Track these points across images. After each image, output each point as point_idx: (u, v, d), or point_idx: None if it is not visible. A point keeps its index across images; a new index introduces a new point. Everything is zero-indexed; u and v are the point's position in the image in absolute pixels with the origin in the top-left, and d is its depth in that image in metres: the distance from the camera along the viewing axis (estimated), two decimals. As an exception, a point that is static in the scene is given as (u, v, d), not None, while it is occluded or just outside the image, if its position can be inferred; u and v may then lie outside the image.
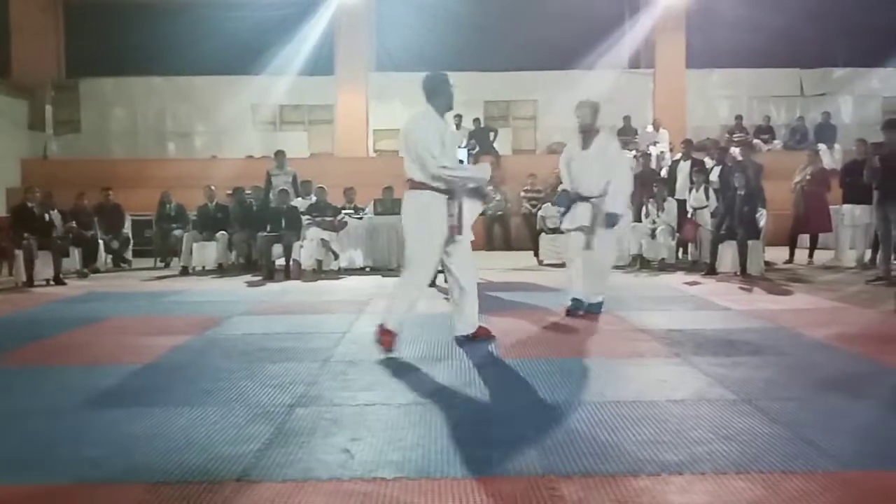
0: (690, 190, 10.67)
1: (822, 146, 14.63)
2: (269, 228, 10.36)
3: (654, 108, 17.43)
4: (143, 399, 3.95)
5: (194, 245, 10.96)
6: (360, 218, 11.09)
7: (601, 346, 5.22)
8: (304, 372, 4.45)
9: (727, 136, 16.07)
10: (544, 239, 11.17)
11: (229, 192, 11.73)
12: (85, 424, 3.53)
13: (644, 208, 10.78)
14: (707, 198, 10.38)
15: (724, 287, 8.34)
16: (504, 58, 17.28)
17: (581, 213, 6.34)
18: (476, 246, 5.45)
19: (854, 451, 3.01)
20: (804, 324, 5.88)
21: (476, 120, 15.87)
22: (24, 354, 5.28)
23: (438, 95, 5.08)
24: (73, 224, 10.64)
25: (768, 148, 16.07)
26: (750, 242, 9.25)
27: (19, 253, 9.40)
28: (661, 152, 14.67)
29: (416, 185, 5.01)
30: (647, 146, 14.98)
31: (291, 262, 10.06)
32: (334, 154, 17.52)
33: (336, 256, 10.49)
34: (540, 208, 11.73)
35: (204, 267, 11.08)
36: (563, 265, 8.09)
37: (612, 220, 6.24)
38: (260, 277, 9.87)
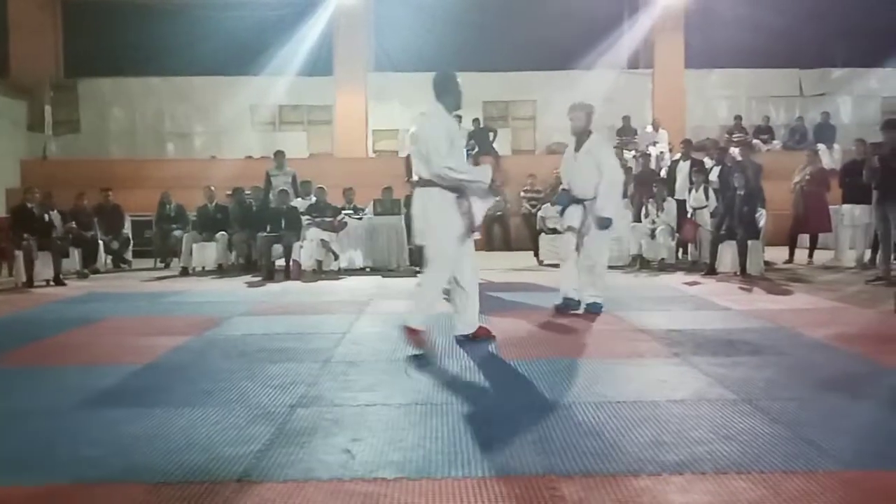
0: (690, 190, 10.68)
1: (821, 146, 14.65)
2: (268, 229, 10.36)
3: (654, 108, 17.44)
4: (143, 399, 3.95)
5: (194, 245, 10.96)
6: (360, 218, 11.09)
7: (601, 347, 5.22)
8: (304, 372, 4.45)
9: (726, 136, 16.08)
10: (544, 239, 11.17)
11: (229, 192, 11.73)
12: (84, 425, 3.53)
13: (644, 208, 10.79)
14: (707, 198, 10.39)
15: (724, 287, 8.34)
16: (503, 58, 17.28)
17: (572, 214, 6.45)
18: (476, 246, 5.45)
19: (854, 451, 3.01)
20: (804, 324, 5.89)
21: (475, 120, 15.87)
22: (23, 355, 5.27)
23: (447, 94, 5.12)
24: (73, 225, 10.63)
25: (768, 148, 16.08)
26: (749, 242, 9.26)
27: (19, 253, 9.40)
28: (661, 152, 14.68)
29: (424, 183, 5.01)
30: (647, 146, 14.99)
31: (291, 263, 10.06)
32: (333, 154, 17.52)
33: (336, 257, 10.50)
34: (539, 208, 11.74)
35: (204, 267, 11.08)
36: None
37: (603, 224, 6.30)
38: (260, 278, 9.87)
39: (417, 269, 10.18)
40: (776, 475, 2.77)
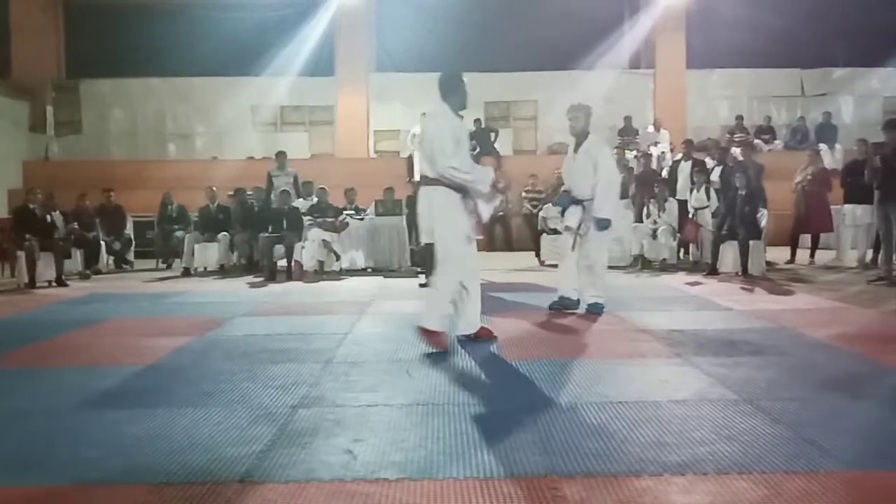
0: (691, 190, 10.67)
1: (822, 146, 14.64)
2: (270, 229, 10.37)
3: (655, 108, 17.43)
4: (144, 400, 3.95)
5: (196, 246, 10.97)
6: (362, 219, 11.09)
7: (603, 347, 5.22)
8: (306, 373, 4.45)
9: (728, 136, 16.06)
10: (545, 239, 11.17)
11: (230, 193, 11.74)
12: (86, 425, 3.54)
13: (645, 209, 10.78)
14: (708, 198, 10.38)
15: (726, 287, 8.34)
16: (504, 58, 17.27)
17: (571, 215, 6.52)
18: (477, 246, 5.45)
19: (856, 451, 3.01)
20: (805, 324, 5.88)
21: (477, 121, 15.86)
22: (25, 355, 5.28)
23: (453, 93, 5.14)
24: (75, 225, 10.64)
25: (769, 148, 16.07)
26: (751, 243, 9.25)
27: (21, 254, 9.41)
28: (662, 153, 14.67)
29: (430, 182, 5.01)
30: (648, 146, 14.97)
31: (293, 263, 10.07)
32: (335, 155, 17.52)
33: (338, 257, 10.50)
34: (541, 209, 11.74)
35: (206, 268, 11.09)
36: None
37: (602, 225, 6.35)
38: (262, 278, 9.87)
39: (419, 269, 10.21)
40: (778, 475, 2.77)
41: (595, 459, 2.95)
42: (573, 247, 6.51)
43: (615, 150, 13.13)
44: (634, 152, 14.49)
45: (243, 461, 2.98)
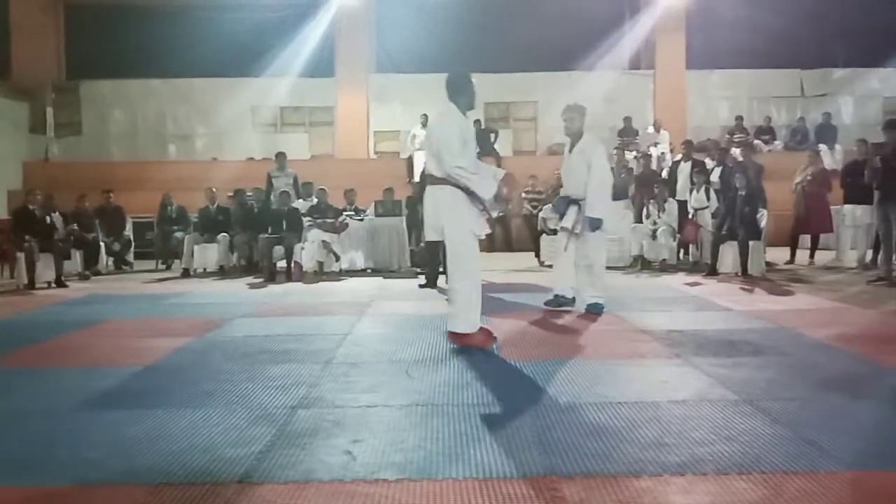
0: (691, 191, 10.67)
1: (822, 147, 14.64)
2: (270, 230, 10.37)
3: (655, 108, 17.43)
4: (144, 401, 3.95)
5: (195, 247, 10.97)
6: (361, 219, 11.09)
7: (602, 347, 5.22)
8: (305, 374, 4.45)
9: (728, 136, 16.07)
10: (545, 240, 11.16)
11: (230, 194, 11.75)
12: (85, 426, 3.54)
13: (645, 209, 10.79)
14: (708, 198, 10.38)
15: (726, 288, 8.34)
16: (504, 59, 17.28)
17: (566, 215, 6.58)
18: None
19: (856, 452, 3.01)
20: (805, 324, 5.88)
21: (476, 121, 15.86)
22: (24, 356, 5.28)
23: (462, 94, 5.16)
24: (75, 226, 10.65)
25: (769, 148, 16.08)
26: (751, 243, 9.25)
27: (21, 255, 9.41)
28: (662, 153, 14.68)
29: (436, 181, 5.01)
30: (648, 147, 14.99)
31: (293, 264, 10.07)
32: (335, 156, 17.53)
33: (337, 258, 10.50)
34: (541, 209, 11.73)
35: (205, 269, 11.09)
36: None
37: (594, 225, 6.40)
38: (261, 279, 9.87)
39: (418, 270, 10.21)
40: (777, 476, 2.77)
41: (594, 460, 2.95)
42: (566, 247, 6.61)
43: (615, 151, 13.14)
44: (634, 153, 14.50)
45: (243, 462, 2.98)
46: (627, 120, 16.42)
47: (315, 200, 11.14)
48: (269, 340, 5.56)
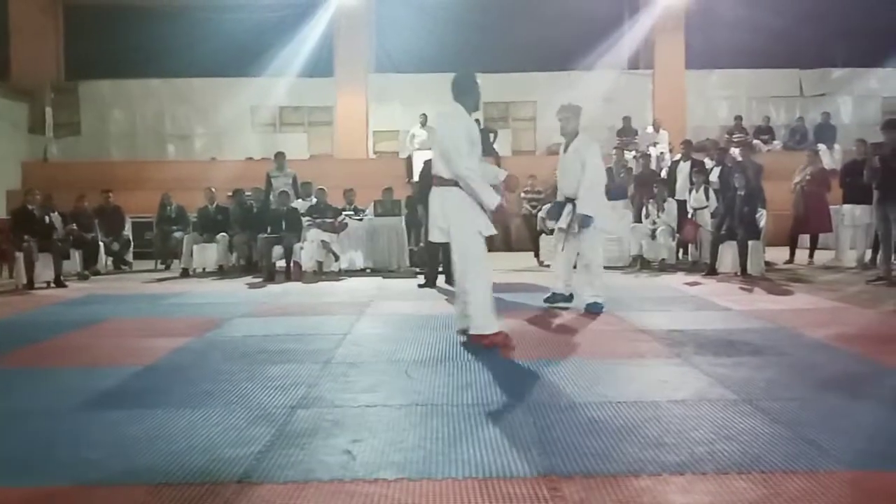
0: (690, 190, 10.68)
1: (821, 146, 14.63)
2: (269, 230, 10.37)
3: (654, 108, 17.43)
4: (143, 401, 3.95)
5: (195, 247, 10.97)
6: (361, 219, 11.09)
7: (602, 347, 5.22)
8: (304, 373, 4.45)
9: (727, 136, 16.07)
10: (544, 240, 11.16)
11: (229, 193, 11.74)
12: (85, 426, 3.53)
13: (644, 209, 10.79)
14: (707, 198, 10.38)
15: (725, 287, 8.34)
16: (503, 59, 17.27)
17: (561, 216, 6.70)
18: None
19: (855, 451, 3.01)
20: (805, 324, 5.89)
21: (476, 121, 15.88)
22: (23, 356, 5.27)
23: (468, 94, 5.20)
24: (74, 226, 10.64)
25: (768, 148, 16.07)
26: (750, 243, 9.25)
27: (20, 255, 9.41)
28: (661, 153, 14.67)
29: (444, 182, 5.02)
30: (647, 147, 14.98)
31: (292, 264, 10.07)
32: (334, 155, 17.52)
33: (336, 258, 10.50)
34: (540, 209, 11.73)
35: (204, 269, 11.09)
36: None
37: (584, 222, 6.47)
38: (260, 279, 9.87)
39: (418, 269, 10.21)
40: (777, 475, 2.77)
41: (594, 459, 2.95)
42: (562, 247, 6.75)
43: (614, 151, 13.13)
44: (633, 153, 14.49)
45: (242, 462, 2.97)
46: (627, 120, 16.42)
47: (314, 200, 11.14)
48: (268, 340, 5.56)
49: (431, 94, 15.75)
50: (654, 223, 10.52)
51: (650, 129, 16.23)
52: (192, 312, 7.17)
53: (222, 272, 10.86)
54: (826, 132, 16.15)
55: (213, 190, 11.65)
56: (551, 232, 10.73)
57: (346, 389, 4.09)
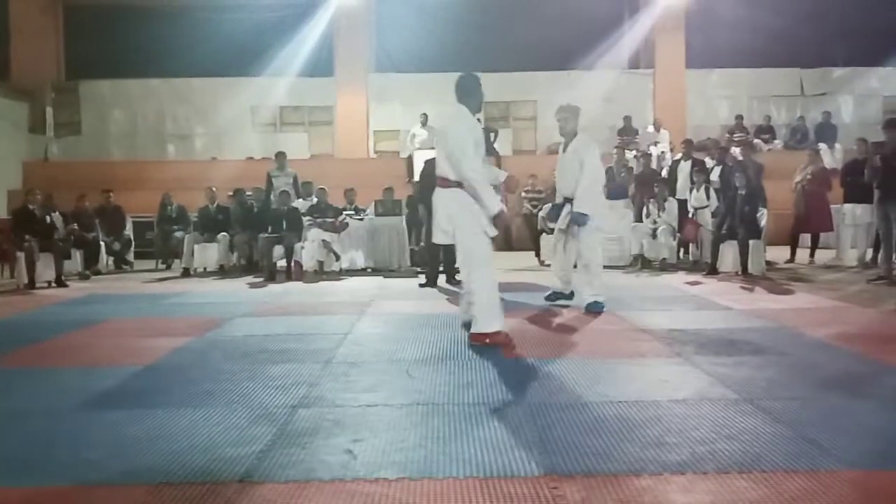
0: (691, 190, 10.67)
1: (822, 146, 14.62)
2: (270, 230, 10.37)
3: (655, 108, 17.42)
4: (144, 401, 3.95)
5: (195, 247, 10.97)
6: (361, 219, 11.09)
7: (603, 346, 5.22)
8: (305, 373, 4.45)
9: (728, 135, 16.06)
10: (545, 239, 11.14)
11: (230, 193, 11.74)
12: (85, 426, 3.53)
13: (645, 208, 10.78)
14: (708, 198, 10.38)
15: (726, 287, 8.34)
16: (504, 58, 17.26)
17: (560, 217, 6.75)
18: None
19: (856, 451, 3.01)
20: (806, 323, 5.88)
21: (477, 121, 15.87)
22: (24, 356, 5.28)
23: (471, 96, 5.23)
24: (75, 226, 10.64)
25: (769, 148, 16.06)
26: (751, 242, 9.25)
27: (21, 255, 9.40)
28: (662, 152, 14.66)
29: (449, 184, 5.03)
30: (648, 146, 14.97)
31: (293, 264, 10.07)
32: (334, 155, 17.52)
33: (337, 257, 10.50)
34: (541, 208, 11.72)
35: (205, 268, 11.09)
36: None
37: (579, 220, 6.50)
38: (261, 279, 9.87)
39: (419, 269, 10.21)
40: (778, 474, 2.77)
41: (595, 459, 2.95)
42: (563, 248, 6.80)
43: (615, 150, 13.13)
44: (634, 152, 14.48)
45: (243, 461, 2.97)
46: (627, 119, 16.42)
47: (315, 200, 11.14)
48: (269, 340, 5.56)
49: (432, 94, 15.76)
50: (655, 222, 10.52)
51: (651, 129, 16.23)
52: (192, 312, 7.17)
53: (223, 272, 10.86)
54: (827, 131, 16.14)
55: (214, 190, 11.65)
56: (552, 231, 10.77)
57: (348, 389, 4.09)
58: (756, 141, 15.70)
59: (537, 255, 11.38)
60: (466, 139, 4.97)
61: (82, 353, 5.36)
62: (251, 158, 16.55)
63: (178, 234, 11.68)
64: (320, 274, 10.21)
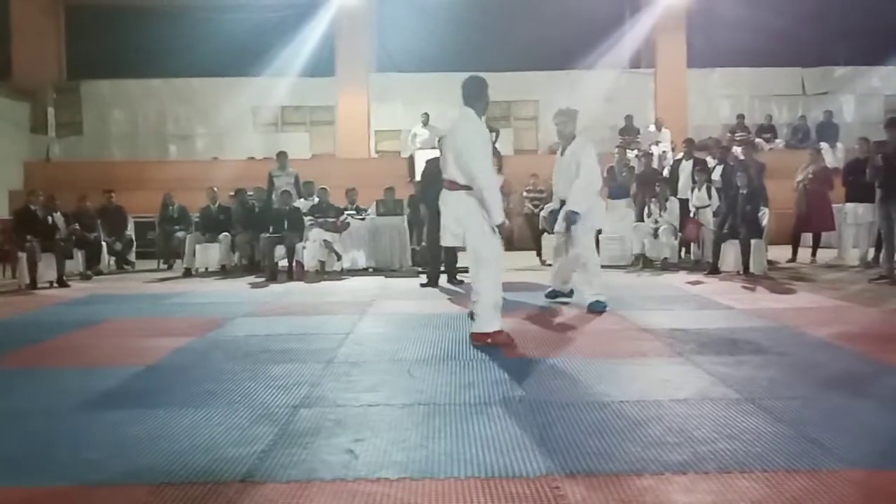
0: (693, 189, 10.66)
1: (824, 145, 14.62)
2: (271, 230, 10.37)
3: (656, 107, 17.41)
4: (145, 401, 3.95)
5: (197, 247, 10.97)
6: (363, 219, 11.09)
7: (604, 346, 5.22)
8: (307, 373, 4.45)
9: (729, 135, 16.03)
10: (546, 239, 11.14)
11: (232, 193, 11.74)
12: (86, 426, 3.54)
13: (646, 208, 10.78)
14: (709, 197, 10.37)
15: (727, 286, 8.33)
16: (505, 58, 17.24)
17: (559, 220, 6.78)
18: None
19: (858, 450, 3.01)
20: (807, 323, 5.88)
21: (478, 121, 15.85)
22: (25, 356, 5.28)
23: (478, 99, 5.29)
24: (76, 226, 10.64)
25: (770, 147, 16.04)
26: (752, 241, 9.24)
27: (22, 255, 9.41)
28: (663, 152, 14.66)
29: (458, 187, 5.06)
30: (649, 146, 14.96)
31: (294, 264, 10.08)
32: (336, 155, 17.51)
33: (339, 257, 10.50)
34: (542, 208, 11.71)
35: (207, 268, 11.10)
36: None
37: (571, 219, 6.55)
38: (263, 279, 9.87)
39: (420, 269, 10.21)
40: (779, 474, 2.76)
41: (596, 458, 2.95)
42: (566, 250, 6.83)
43: (616, 150, 13.12)
44: (636, 152, 14.48)
45: (245, 461, 2.98)
46: (628, 119, 16.41)
47: (316, 200, 11.13)
48: (270, 340, 5.56)
49: (433, 94, 15.76)
50: (657, 222, 10.51)
51: (652, 128, 16.21)
52: (194, 312, 7.18)
53: (225, 272, 10.86)
54: (828, 130, 16.12)
55: (216, 190, 11.65)
56: (552, 231, 10.79)
57: (349, 389, 4.09)
58: (757, 140, 15.66)
59: (538, 254, 11.38)
60: (475, 141, 4.99)
61: (83, 353, 5.37)
62: (252, 158, 16.55)
63: (180, 234, 11.68)
64: (322, 274, 10.21)
